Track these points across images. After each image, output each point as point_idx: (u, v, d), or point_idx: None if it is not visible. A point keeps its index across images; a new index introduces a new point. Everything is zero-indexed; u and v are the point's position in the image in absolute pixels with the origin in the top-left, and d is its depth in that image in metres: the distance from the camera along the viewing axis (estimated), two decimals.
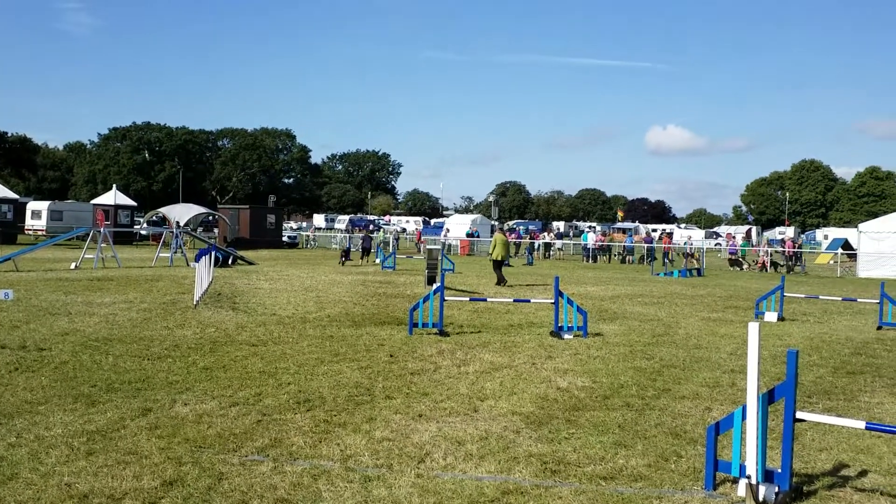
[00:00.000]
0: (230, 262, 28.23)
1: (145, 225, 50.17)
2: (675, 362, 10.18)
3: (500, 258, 22.82)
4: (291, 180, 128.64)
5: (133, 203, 54.68)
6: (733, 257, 38.84)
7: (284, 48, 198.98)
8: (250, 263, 29.05)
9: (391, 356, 10.09)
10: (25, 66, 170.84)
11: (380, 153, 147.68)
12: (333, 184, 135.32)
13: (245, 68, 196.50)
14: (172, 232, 31.98)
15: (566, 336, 12.15)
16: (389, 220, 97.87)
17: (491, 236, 34.02)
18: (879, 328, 14.26)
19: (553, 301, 12.46)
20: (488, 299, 13.99)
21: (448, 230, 51.61)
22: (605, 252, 42.34)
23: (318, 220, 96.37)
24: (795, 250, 39.02)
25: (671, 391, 8.39)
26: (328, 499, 4.85)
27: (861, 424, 5.00)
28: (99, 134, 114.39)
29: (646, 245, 41.42)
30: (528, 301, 14.31)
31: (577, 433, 6.59)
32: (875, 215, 43.88)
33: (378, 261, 32.98)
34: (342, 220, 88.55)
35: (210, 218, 47.87)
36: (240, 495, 4.87)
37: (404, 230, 70.12)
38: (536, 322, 14.00)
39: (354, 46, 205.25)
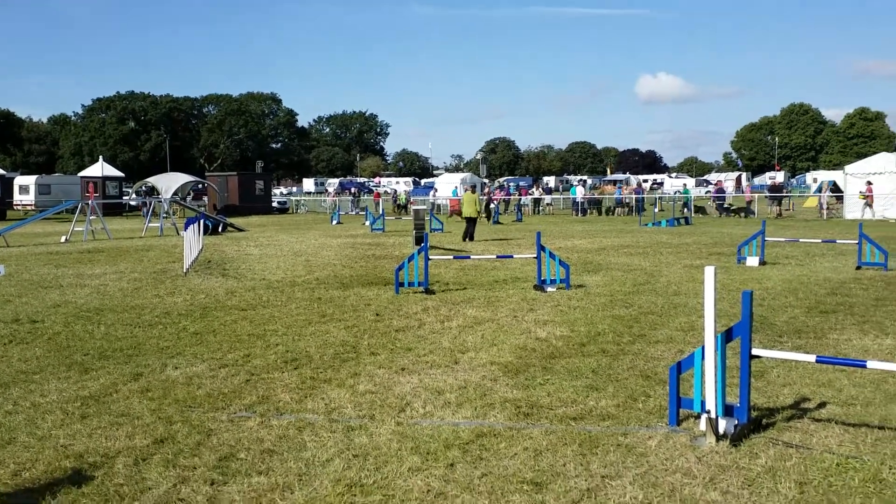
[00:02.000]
0: (220, 229, 28.37)
1: (134, 196, 50.08)
2: (653, 309, 10.46)
3: (470, 215, 23.33)
4: (279, 145, 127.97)
5: (121, 174, 54.56)
6: (722, 203, 39.16)
7: (266, 9, 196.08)
8: (240, 230, 29.19)
9: (377, 315, 10.34)
10: (4, 40, 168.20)
11: (367, 114, 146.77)
12: (322, 147, 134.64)
13: (228, 32, 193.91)
14: (160, 202, 32.06)
15: (549, 289, 12.41)
16: (380, 182, 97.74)
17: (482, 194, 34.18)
18: (858, 268, 14.56)
19: (535, 255, 12.70)
20: (472, 257, 14.22)
21: (436, 190, 51.62)
22: (595, 205, 42.53)
23: (308, 184, 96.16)
24: (751, 195, 39.55)
25: (646, 336, 8.68)
26: (312, 448, 5.13)
27: (812, 358, 5.28)
28: (83, 105, 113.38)
29: (635, 197, 41.64)
30: (512, 257, 14.56)
31: (552, 379, 6.87)
32: (865, 156, 44.00)
33: (367, 223, 33.18)
34: (332, 184, 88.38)
35: (199, 186, 47.79)
36: (228, 449, 5.14)
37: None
38: (521, 277, 14.25)
39: (337, 3, 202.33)
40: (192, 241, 15.60)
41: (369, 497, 4.35)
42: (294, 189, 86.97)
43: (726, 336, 5.29)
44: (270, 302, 11.51)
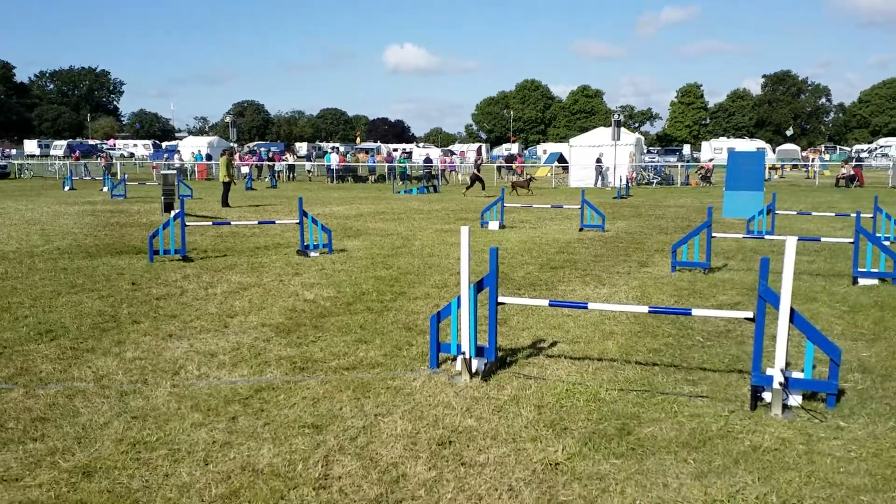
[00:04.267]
0: None
1: None
2: (410, 270, 11.24)
3: (224, 180, 23.49)
4: None
5: None
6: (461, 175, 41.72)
7: None
8: None
9: (133, 284, 10.00)
10: None
11: (98, 70, 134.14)
12: (45, 105, 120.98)
13: None
14: None
15: (312, 254, 12.74)
16: (114, 145, 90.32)
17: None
18: (581, 229, 16.62)
19: (298, 221, 12.93)
20: (233, 223, 14.07)
21: (179, 153, 48.94)
22: (350, 172, 43.12)
23: (31, 145, 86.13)
24: (480, 165, 42.81)
25: (406, 294, 9.38)
26: (86, 413, 5.07)
27: (545, 302, 6.22)
28: None
29: (387, 165, 42.88)
30: (274, 222, 14.60)
31: (323, 336, 7.28)
32: (586, 130, 49.19)
33: (106, 188, 30.89)
34: (59, 146, 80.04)
35: None
36: None
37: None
38: (283, 243, 14.40)
39: None
40: None
41: (155, 452, 4.48)
42: (13, 151, 77.36)
43: (478, 287, 6.05)
44: (9, 274, 10.59)
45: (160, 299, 9.04)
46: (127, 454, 4.45)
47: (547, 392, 5.60)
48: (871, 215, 12.81)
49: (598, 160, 35.80)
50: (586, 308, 6.24)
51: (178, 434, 4.76)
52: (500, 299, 6.06)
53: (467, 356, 5.90)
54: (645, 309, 6.18)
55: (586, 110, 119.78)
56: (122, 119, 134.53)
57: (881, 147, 68.57)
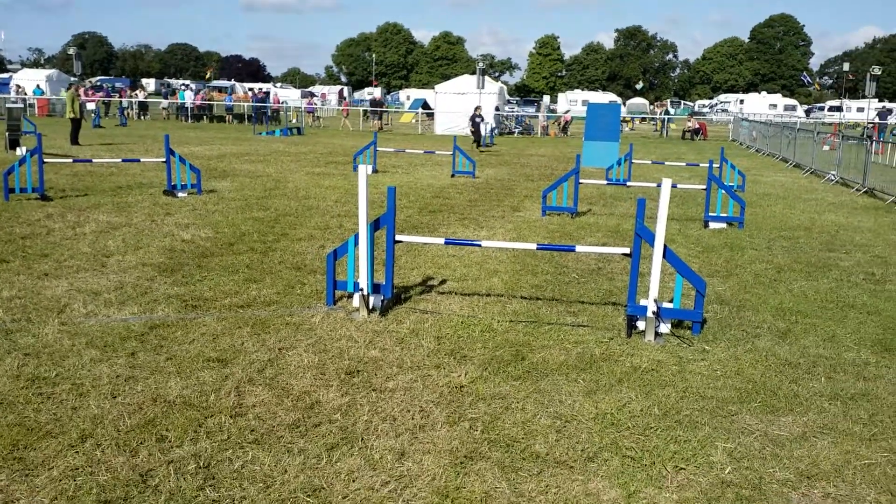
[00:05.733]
0: None
1: None
2: (288, 211, 11.15)
3: (75, 115, 22.19)
4: None
5: None
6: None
7: None
8: None
9: None
10: None
11: None
12: None
13: None
14: None
15: (181, 194, 12.31)
16: None
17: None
18: (453, 176, 16.97)
19: (165, 160, 12.40)
20: (94, 160, 13.28)
21: (19, 87, 44.86)
22: (206, 111, 41.27)
23: None
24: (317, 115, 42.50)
25: (288, 235, 9.35)
26: None
27: (441, 240, 6.47)
28: None
29: (248, 105, 41.38)
30: (139, 161, 13.91)
31: (210, 275, 7.18)
32: (448, 77, 49.41)
33: None
34: None
35: None
36: None
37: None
38: (146, 183, 13.79)
39: None
40: None
41: (57, 387, 4.37)
42: None
43: (375, 225, 6.19)
44: None
45: (25, 238, 8.52)
46: (28, 389, 4.31)
47: (444, 325, 5.89)
48: (719, 165, 13.96)
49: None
50: (480, 246, 6.55)
51: (77, 370, 4.65)
52: (397, 237, 6.24)
53: (365, 292, 6.06)
54: (533, 246, 6.58)
55: (448, 57, 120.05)
56: None
57: (721, 103, 73.66)
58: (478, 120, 26.83)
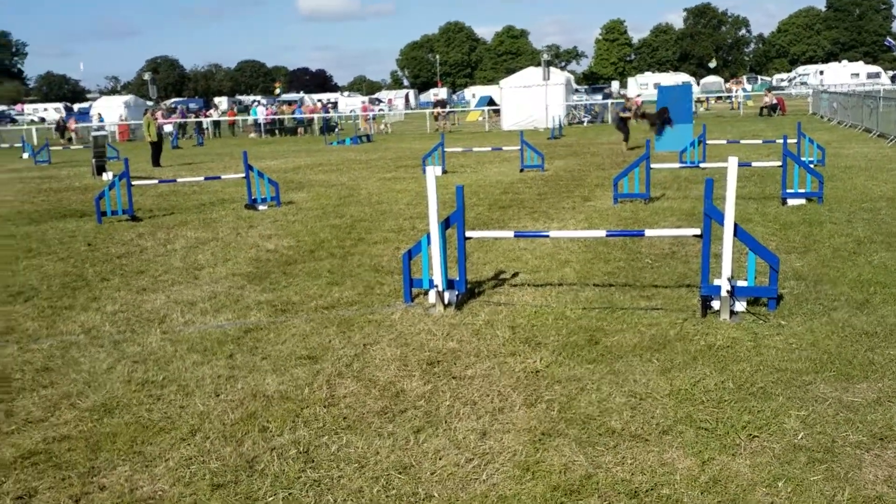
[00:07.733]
0: None
1: None
2: (363, 217, 11.53)
3: (153, 139, 23.44)
4: None
5: None
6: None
7: None
8: None
9: (89, 245, 10.03)
10: None
11: None
12: None
13: None
14: None
15: (261, 207, 12.87)
16: (22, 110, 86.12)
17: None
18: (521, 171, 17.10)
19: (244, 175, 12.99)
20: (178, 180, 14.01)
21: (100, 115, 47.22)
22: (278, 126, 42.48)
23: None
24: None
25: (365, 239, 9.70)
26: (87, 362, 5.31)
27: (510, 234, 6.67)
28: None
29: (317, 116, 42.42)
30: (220, 178, 14.60)
31: (295, 281, 7.58)
32: (513, 72, 49.28)
33: (27, 155, 29.84)
34: None
35: None
36: None
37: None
38: (227, 198, 14.45)
39: None
40: None
41: (165, 389, 4.78)
42: None
43: (445, 224, 6.43)
44: None
45: (121, 258, 9.13)
46: (139, 392, 4.73)
47: (517, 315, 6.08)
48: (796, 140, 13.65)
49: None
50: (548, 237, 6.71)
51: (182, 372, 5.06)
52: (468, 234, 6.47)
53: (440, 289, 6.31)
54: (602, 233, 6.70)
55: (512, 51, 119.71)
56: (28, 83, 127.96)
57: (800, 76, 71.09)
58: (626, 114, 22.94)
